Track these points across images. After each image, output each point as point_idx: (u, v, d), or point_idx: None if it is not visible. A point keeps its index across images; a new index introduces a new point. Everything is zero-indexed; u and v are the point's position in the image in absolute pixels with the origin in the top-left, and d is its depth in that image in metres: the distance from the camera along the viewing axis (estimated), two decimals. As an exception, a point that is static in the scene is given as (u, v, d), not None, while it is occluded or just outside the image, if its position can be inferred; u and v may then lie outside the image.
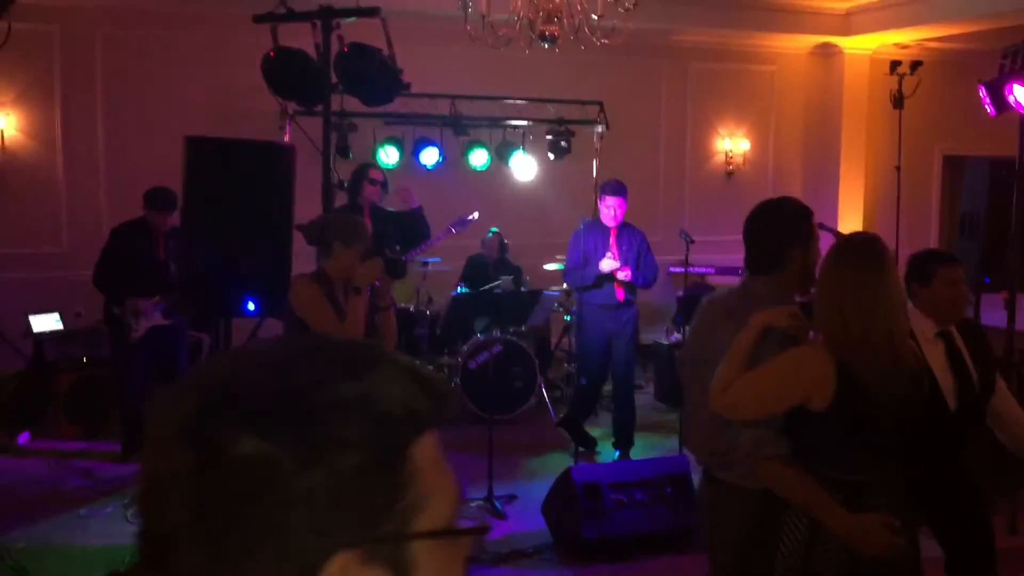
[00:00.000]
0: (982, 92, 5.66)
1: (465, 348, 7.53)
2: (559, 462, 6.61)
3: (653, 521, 5.02)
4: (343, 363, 0.76)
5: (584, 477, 4.98)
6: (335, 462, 0.70)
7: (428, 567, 0.74)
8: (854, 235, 2.84)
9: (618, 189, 6.46)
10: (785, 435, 2.62)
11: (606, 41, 6.91)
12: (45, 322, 7.05)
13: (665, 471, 5.16)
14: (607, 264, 6.35)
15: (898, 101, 11.05)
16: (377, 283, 3.72)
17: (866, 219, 11.20)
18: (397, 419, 0.74)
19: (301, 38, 4.81)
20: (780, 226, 2.86)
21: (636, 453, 6.86)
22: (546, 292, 5.69)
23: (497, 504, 5.65)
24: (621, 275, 6.32)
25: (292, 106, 8.45)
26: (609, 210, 6.44)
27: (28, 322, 7.00)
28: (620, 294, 6.48)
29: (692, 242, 5.96)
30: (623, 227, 6.52)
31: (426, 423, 0.77)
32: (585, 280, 6.39)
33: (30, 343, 6.95)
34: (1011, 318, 5.63)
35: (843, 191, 11.10)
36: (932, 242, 11.90)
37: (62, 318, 7.15)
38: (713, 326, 2.87)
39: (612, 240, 6.51)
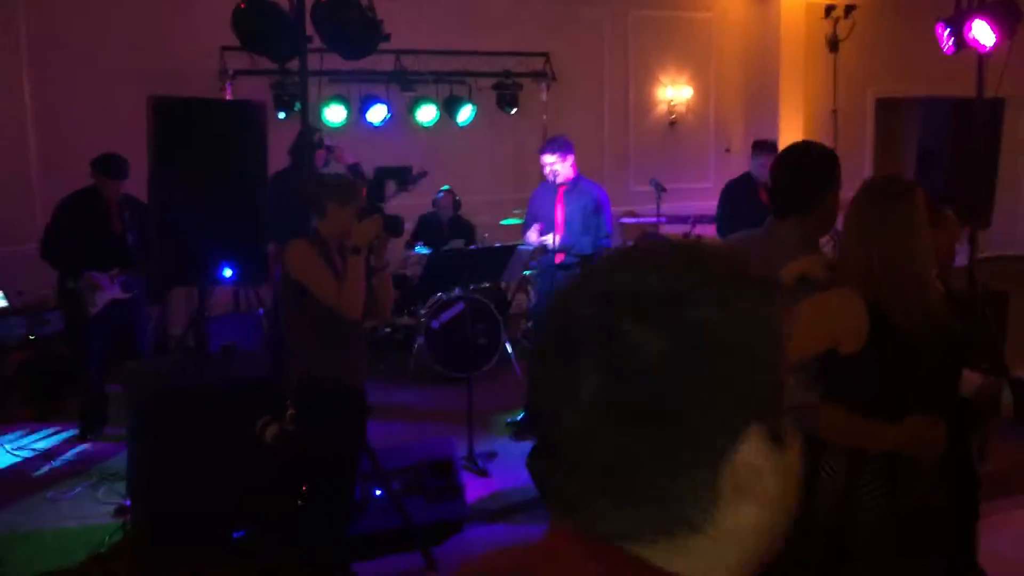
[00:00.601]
0: (940, 30, 5.71)
1: (426, 308, 7.43)
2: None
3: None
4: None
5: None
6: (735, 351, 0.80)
7: (793, 442, 0.86)
8: (881, 176, 2.82)
9: (553, 147, 6.21)
10: (817, 379, 2.61)
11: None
12: (-14, 300, 6.72)
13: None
14: (531, 236, 6.18)
15: (833, 45, 11.19)
16: (373, 242, 3.60)
17: (805, 163, 11.34)
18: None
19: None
20: (810, 170, 2.83)
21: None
22: (520, 246, 5.60)
23: (480, 463, 5.60)
24: (541, 238, 6.14)
25: (232, 65, 8.24)
26: (546, 168, 6.22)
27: (-34, 301, 6.65)
28: (558, 257, 6.20)
29: (664, 190, 5.93)
30: (575, 186, 6.27)
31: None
32: (527, 243, 6.30)
33: (-30, 323, 6.61)
34: (973, 252, 5.77)
35: (783, 136, 11.19)
36: (868, 184, 12.15)
37: (6, 296, 6.80)
38: None
39: (559, 199, 6.31)
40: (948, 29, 5.53)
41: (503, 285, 7.88)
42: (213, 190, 4.22)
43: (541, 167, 6.24)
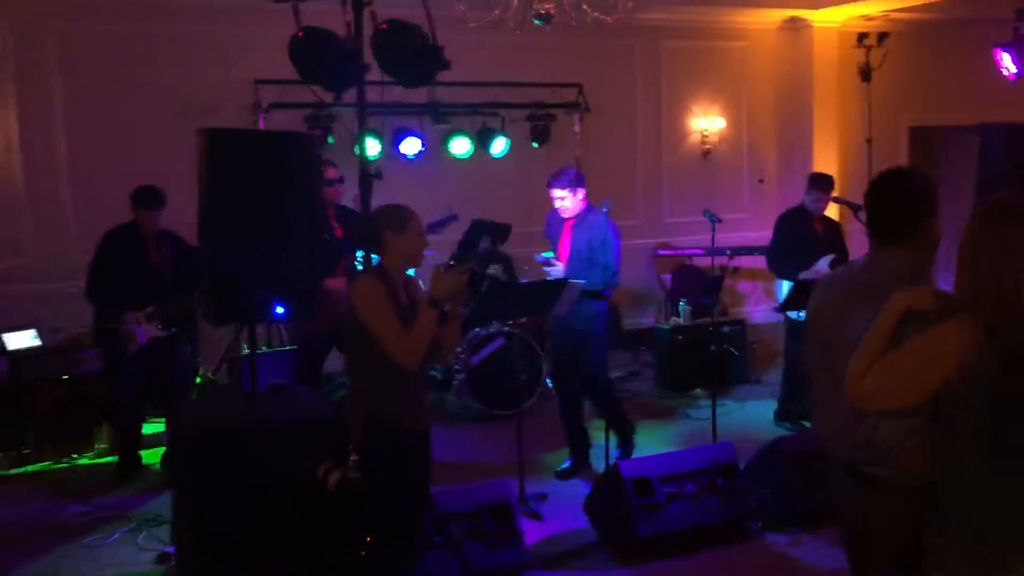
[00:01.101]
0: (1000, 55, 5.57)
1: (465, 344, 7.26)
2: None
3: (706, 513, 4.83)
4: None
5: (633, 471, 4.76)
6: None
7: None
8: (999, 195, 2.64)
9: (563, 181, 5.95)
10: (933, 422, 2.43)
11: (600, 16, 6.72)
12: (20, 339, 6.57)
13: (713, 460, 4.97)
14: (557, 265, 5.93)
15: (866, 73, 11.06)
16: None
17: (839, 192, 11.15)
18: None
19: (312, 19, 4.48)
20: (913, 194, 2.68)
21: (648, 442, 6.68)
22: (572, 280, 5.43)
23: (532, 504, 5.40)
24: (547, 269, 5.95)
25: (266, 99, 8.15)
26: (554, 202, 6.00)
27: (1, 340, 6.50)
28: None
29: (719, 221, 5.77)
30: (583, 219, 5.95)
31: None
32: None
33: (5, 362, 6.46)
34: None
35: (817, 166, 11.03)
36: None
37: (39, 334, 6.66)
38: (844, 308, 2.66)
39: (565, 231, 6.06)
40: (1009, 54, 5.38)
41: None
42: (266, 224, 4.07)
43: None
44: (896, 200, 2.67)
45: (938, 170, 13.02)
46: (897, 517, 2.52)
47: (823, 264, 6.56)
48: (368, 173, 4.01)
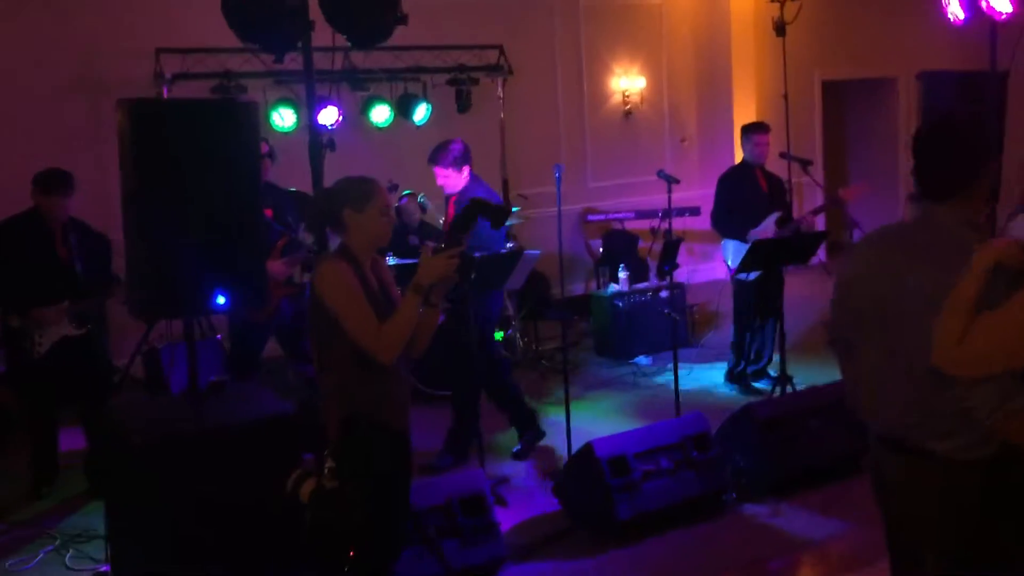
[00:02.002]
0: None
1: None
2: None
3: (684, 488, 4.61)
4: None
5: (607, 450, 4.50)
6: None
7: None
8: None
9: (443, 158, 5.57)
10: None
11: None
12: (-92, 344, 5.89)
13: (687, 432, 4.75)
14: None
15: (780, 28, 11.01)
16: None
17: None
18: None
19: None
20: (968, 145, 2.43)
21: (603, 415, 6.45)
22: (527, 252, 5.10)
23: (496, 489, 5.09)
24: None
25: (169, 69, 7.53)
26: (436, 179, 5.62)
27: None
28: None
29: (676, 182, 5.51)
30: (465, 195, 5.51)
31: None
32: None
33: None
34: (993, 232, 5.51)
35: (737, 122, 10.93)
36: (820, 166, 12.02)
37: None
38: (896, 270, 2.41)
39: (450, 211, 5.68)
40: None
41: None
42: (202, 203, 3.62)
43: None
44: (952, 153, 2.42)
45: (850, 123, 13.16)
46: (965, 495, 2.31)
47: (770, 222, 6.40)
48: (319, 144, 3.59)
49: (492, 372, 5.54)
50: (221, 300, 3.78)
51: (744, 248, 6.06)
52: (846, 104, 12.96)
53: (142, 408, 4.47)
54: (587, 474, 4.52)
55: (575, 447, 5.16)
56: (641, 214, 9.48)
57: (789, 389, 6.05)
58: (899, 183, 12.72)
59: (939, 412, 2.30)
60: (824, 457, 5.05)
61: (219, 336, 6.70)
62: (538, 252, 5.20)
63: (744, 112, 10.99)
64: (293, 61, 7.79)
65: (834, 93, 12.32)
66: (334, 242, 3.24)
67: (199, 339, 6.35)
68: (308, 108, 3.71)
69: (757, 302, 6.46)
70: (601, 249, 9.49)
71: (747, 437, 4.93)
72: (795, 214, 6.81)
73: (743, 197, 6.44)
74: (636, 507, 4.42)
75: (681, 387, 6.64)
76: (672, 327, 5.83)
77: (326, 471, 2.95)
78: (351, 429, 2.99)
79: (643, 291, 7.96)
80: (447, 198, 5.69)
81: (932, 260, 2.33)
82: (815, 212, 6.84)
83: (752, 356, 6.66)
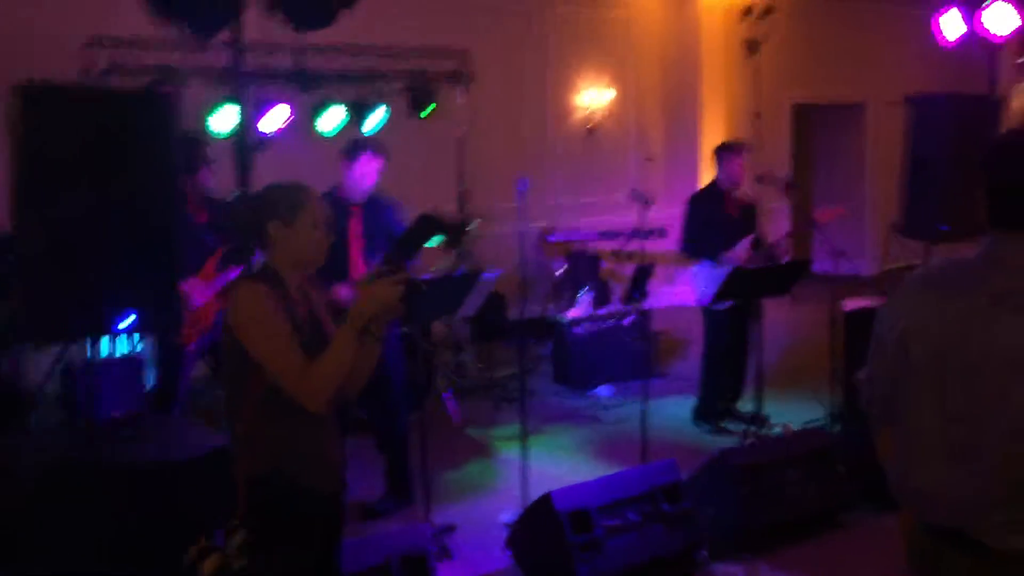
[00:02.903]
0: (943, 16, 5.07)
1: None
2: (482, 476, 5.62)
3: (652, 545, 4.13)
4: None
5: (568, 503, 4.00)
6: None
7: None
8: None
9: (378, 146, 5.03)
10: None
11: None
12: None
13: (656, 482, 4.27)
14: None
15: (752, 47, 10.70)
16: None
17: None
18: None
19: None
20: None
21: (561, 452, 5.97)
22: (485, 274, 4.60)
23: (441, 539, 4.57)
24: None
25: (101, 62, 6.92)
26: (364, 177, 4.90)
27: None
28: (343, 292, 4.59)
29: (650, 203, 5.05)
30: (371, 203, 4.97)
31: None
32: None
33: None
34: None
35: (705, 144, 10.58)
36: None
37: None
38: (975, 322, 1.93)
39: (358, 222, 4.89)
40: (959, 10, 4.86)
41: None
42: (105, 206, 3.07)
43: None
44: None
45: (818, 147, 12.89)
46: None
47: (742, 247, 5.97)
48: (248, 144, 3.06)
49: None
50: (128, 321, 3.23)
51: (716, 274, 5.64)
52: (814, 128, 12.69)
53: (31, 445, 3.88)
54: (545, 529, 4.01)
55: (531, 488, 4.67)
56: (604, 234, 9.03)
57: (763, 431, 5.62)
58: (865, 210, 12.46)
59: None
60: (802, 511, 4.61)
61: (143, 354, 6.09)
62: (496, 274, 4.69)
63: (713, 132, 10.63)
64: (233, 58, 7.28)
65: (804, 116, 12.04)
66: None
67: (121, 358, 5.78)
68: (237, 96, 3.14)
69: (731, 334, 6.03)
70: (562, 270, 9.01)
71: (722, 488, 4.46)
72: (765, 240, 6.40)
73: (715, 220, 6.02)
74: (599, 568, 3.92)
75: (647, 422, 6.20)
76: (638, 359, 5.35)
77: (234, 545, 2.41)
78: (266, 493, 2.45)
79: (606, 316, 7.50)
80: (346, 207, 4.80)
81: (1018, 308, 1.88)
82: (789, 236, 6.43)
83: (726, 393, 6.23)
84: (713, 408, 6.25)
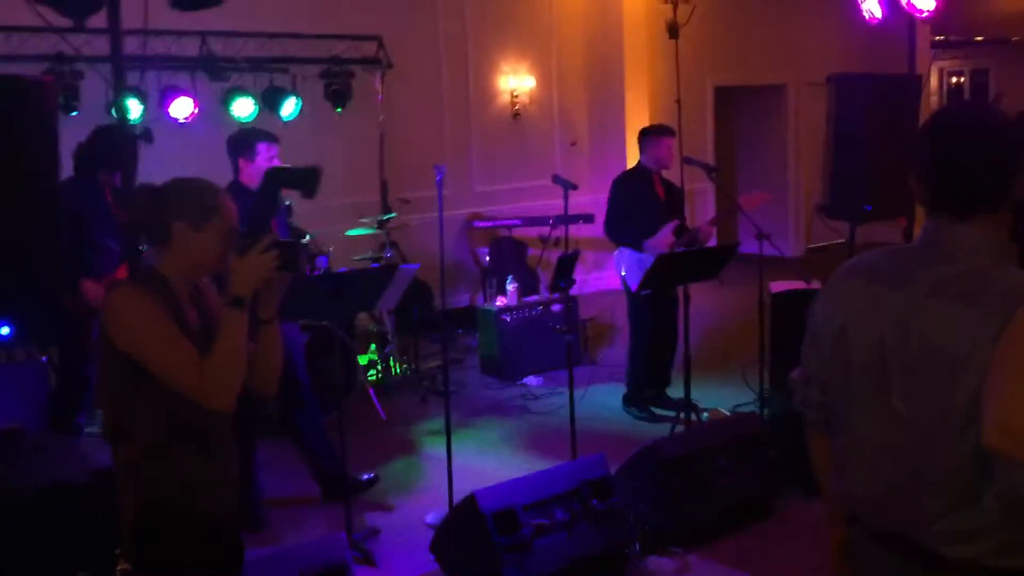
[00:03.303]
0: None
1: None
2: (409, 474, 5.44)
3: (581, 544, 3.99)
4: None
5: (493, 503, 3.84)
6: None
7: None
8: None
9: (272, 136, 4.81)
10: None
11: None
12: None
13: (584, 477, 4.13)
14: None
15: (673, 31, 10.62)
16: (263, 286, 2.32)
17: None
18: None
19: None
20: (1005, 144, 1.79)
21: (488, 446, 5.82)
22: (404, 265, 4.40)
23: (364, 544, 4.39)
24: None
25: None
26: (268, 163, 4.64)
27: None
28: None
29: (574, 187, 4.89)
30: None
31: None
32: None
33: None
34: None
35: (629, 128, 10.49)
36: (712, 175, 11.69)
37: None
38: (907, 312, 1.79)
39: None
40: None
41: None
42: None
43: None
44: (984, 154, 1.77)
45: (740, 130, 12.92)
46: None
47: (667, 232, 5.88)
48: (129, 134, 2.81)
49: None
50: (4, 331, 2.96)
51: (641, 260, 5.53)
52: (736, 110, 12.72)
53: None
54: (470, 531, 3.85)
55: (458, 484, 4.52)
56: (530, 221, 8.89)
57: (693, 418, 5.54)
58: (788, 190, 12.54)
59: (972, 506, 1.70)
60: (733, 500, 4.52)
61: (44, 359, 5.75)
62: (416, 266, 4.51)
63: (637, 116, 10.54)
64: (138, 45, 6.94)
65: (725, 99, 12.05)
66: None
67: (15, 365, 5.45)
68: (115, 88, 2.88)
69: (655, 319, 5.94)
70: (487, 258, 8.85)
71: (651, 480, 4.35)
72: (689, 223, 6.31)
73: (640, 204, 5.92)
74: (528, 569, 3.77)
75: (577, 410, 6.11)
76: (566, 349, 5.20)
77: None
78: (155, 522, 2.23)
79: (533, 304, 7.35)
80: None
81: (961, 299, 1.72)
82: (713, 222, 6.37)
83: (652, 377, 6.14)
84: (642, 393, 6.16)
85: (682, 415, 5.54)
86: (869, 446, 1.87)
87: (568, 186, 4.86)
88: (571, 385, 4.84)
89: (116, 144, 4.66)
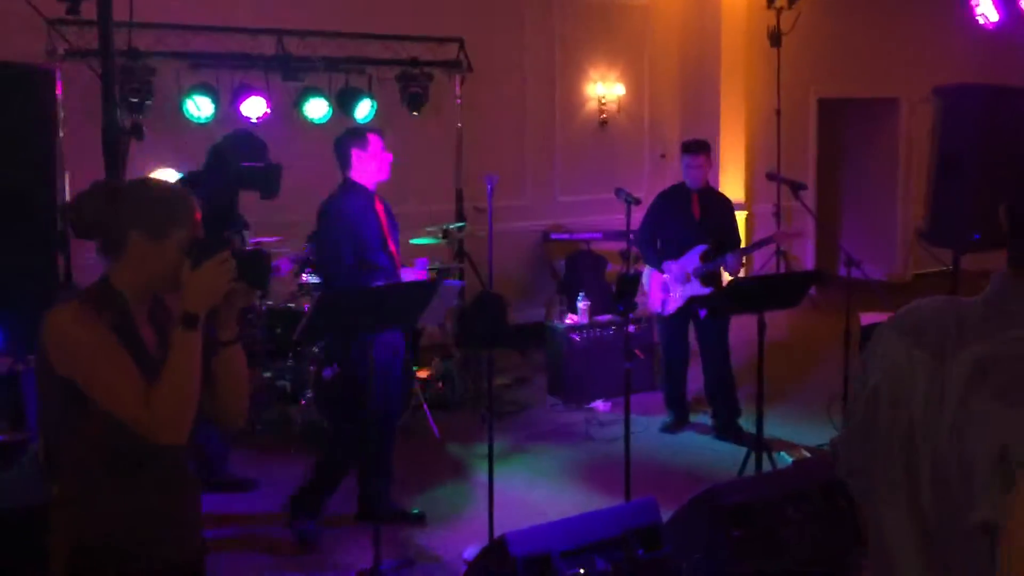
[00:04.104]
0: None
1: (317, 350, 5.86)
2: (455, 501, 5.10)
3: (623, 599, 3.59)
4: None
5: (526, 548, 3.47)
6: None
7: None
8: None
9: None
10: None
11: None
12: None
13: (631, 524, 3.72)
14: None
15: (776, 39, 10.07)
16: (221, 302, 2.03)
17: (748, 167, 10.18)
18: None
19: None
20: None
21: (544, 474, 5.45)
22: (446, 281, 4.09)
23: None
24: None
25: (64, 44, 6.49)
26: (387, 166, 4.63)
27: None
28: None
29: (636, 202, 4.51)
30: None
31: None
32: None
33: None
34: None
35: (724, 138, 10.00)
36: (811, 191, 11.07)
37: None
38: (951, 383, 1.34)
39: (380, 210, 4.61)
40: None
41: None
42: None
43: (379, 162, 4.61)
44: None
45: (847, 145, 12.21)
46: None
47: (690, 257, 5.49)
48: (117, 127, 2.55)
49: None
50: (-7, 339, 2.76)
51: (664, 283, 5.35)
52: (842, 124, 12.02)
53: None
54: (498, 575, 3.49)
55: (503, 517, 4.20)
56: (610, 235, 8.48)
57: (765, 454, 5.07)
58: (896, 213, 11.78)
59: None
60: (804, 557, 4.03)
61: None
62: (461, 283, 4.20)
63: (732, 128, 10.06)
64: (212, 42, 6.83)
65: (831, 111, 11.38)
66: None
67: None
68: (103, 80, 2.63)
69: (683, 341, 5.88)
70: (563, 271, 8.48)
71: (708, 530, 3.91)
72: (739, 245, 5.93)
73: (668, 222, 5.71)
74: (558, 625, 3.39)
75: (642, 443, 5.72)
76: (637, 371, 4.81)
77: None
78: (87, 566, 1.95)
79: (605, 324, 6.94)
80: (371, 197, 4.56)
81: (1003, 394, 1.29)
82: (744, 252, 5.87)
83: (713, 410, 5.84)
84: (676, 399, 6.03)
85: (751, 453, 5.06)
86: (894, 535, 1.43)
87: (631, 201, 4.47)
88: (627, 420, 4.45)
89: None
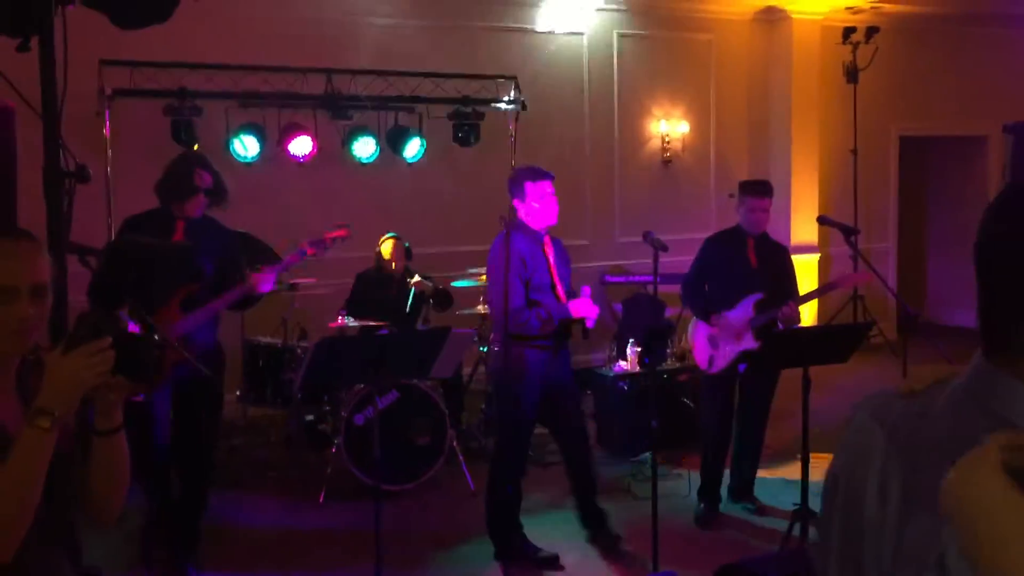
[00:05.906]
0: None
1: (348, 395, 5.69)
2: (475, 560, 4.80)
3: None
4: None
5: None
6: None
7: None
8: None
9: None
10: None
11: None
12: None
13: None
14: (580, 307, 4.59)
15: (852, 74, 9.64)
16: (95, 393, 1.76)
17: (822, 209, 9.71)
18: None
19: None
20: None
21: (563, 535, 5.13)
22: (456, 330, 3.85)
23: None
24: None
25: (113, 84, 6.53)
26: (537, 204, 4.65)
27: None
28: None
29: (664, 249, 4.20)
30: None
31: None
32: (532, 318, 4.43)
33: None
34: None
35: (796, 179, 9.59)
36: (892, 233, 10.53)
37: None
38: (887, 471, 1.06)
39: (549, 251, 4.69)
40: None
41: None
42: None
43: (534, 199, 4.69)
44: None
45: (932, 186, 11.62)
46: None
47: (744, 308, 5.02)
48: (59, 170, 2.41)
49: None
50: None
51: (711, 336, 4.95)
52: (927, 163, 11.44)
53: None
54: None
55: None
56: (672, 278, 8.11)
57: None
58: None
59: None
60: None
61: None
62: (472, 331, 3.94)
63: (805, 167, 9.65)
64: (260, 82, 6.79)
65: (914, 149, 10.84)
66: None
67: None
68: (44, 119, 2.49)
69: (725, 401, 5.25)
70: (622, 314, 8.16)
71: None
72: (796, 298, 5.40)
73: (721, 269, 5.16)
74: None
75: (681, 504, 5.37)
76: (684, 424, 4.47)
77: None
78: None
79: (657, 373, 6.60)
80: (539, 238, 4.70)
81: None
82: (801, 301, 5.29)
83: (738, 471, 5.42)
84: (712, 486, 5.39)
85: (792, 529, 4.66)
86: None
87: (659, 246, 4.16)
88: (654, 484, 4.14)
89: (182, 176, 4.39)
